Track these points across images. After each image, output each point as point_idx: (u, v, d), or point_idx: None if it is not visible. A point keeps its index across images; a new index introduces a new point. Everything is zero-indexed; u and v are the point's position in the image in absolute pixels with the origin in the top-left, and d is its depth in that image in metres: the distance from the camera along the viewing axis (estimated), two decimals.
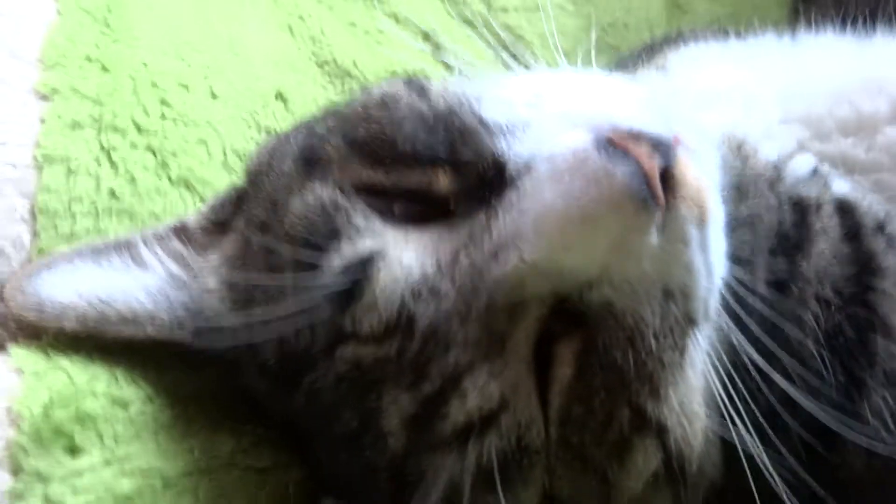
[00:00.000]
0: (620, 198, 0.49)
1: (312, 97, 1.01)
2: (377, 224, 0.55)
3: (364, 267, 0.53)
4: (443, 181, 0.55)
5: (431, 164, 0.55)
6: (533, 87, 0.58)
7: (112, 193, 0.79)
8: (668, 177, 0.51)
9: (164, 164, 0.83)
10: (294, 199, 0.59)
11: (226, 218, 0.74)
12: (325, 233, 0.55)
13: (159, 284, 0.68)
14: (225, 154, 0.89)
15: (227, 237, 0.71)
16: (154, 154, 0.83)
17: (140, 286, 0.68)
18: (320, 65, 1.06)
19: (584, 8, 1.32)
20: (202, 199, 0.84)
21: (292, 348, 0.59)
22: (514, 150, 0.54)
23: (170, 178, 0.83)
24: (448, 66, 1.16)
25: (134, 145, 0.83)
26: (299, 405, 0.61)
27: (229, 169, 0.89)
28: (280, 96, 0.98)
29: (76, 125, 0.82)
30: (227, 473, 0.65)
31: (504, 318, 0.52)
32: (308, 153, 0.62)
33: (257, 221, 0.65)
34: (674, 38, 0.98)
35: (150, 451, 0.63)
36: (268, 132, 0.94)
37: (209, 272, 0.68)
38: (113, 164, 0.80)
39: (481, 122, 0.56)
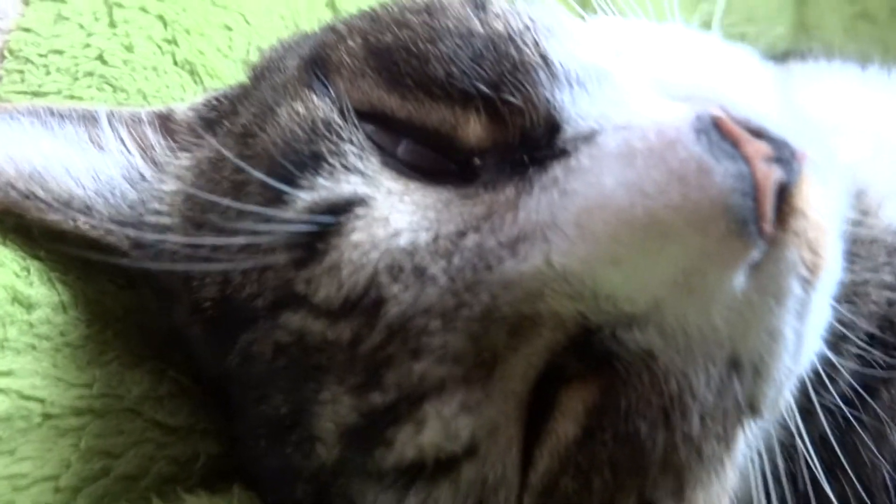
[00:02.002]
0: (711, 210, 0.34)
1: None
2: (372, 163, 0.42)
3: (339, 213, 0.40)
4: (473, 127, 0.41)
5: (464, 101, 0.41)
6: (625, 33, 0.44)
7: (101, 56, 0.66)
8: (783, 199, 0.36)
9: (173, 41, 0.70)
10: (283, 107, 0.45)
11: (217, 117, 0.61)
12: (304, 157, 0.42)
13: (110, 173, 0.55)
14: (248, 50, 0.75)
15: (206, 140, 0.57)
16: (165, 25, 0.70)
17: (88, 168, 0.55)
18: None
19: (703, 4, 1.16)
20: (204, 92, 0.71)
21: (234, 294, 0.46)
22: (578, 106, 0.40)
23: (174, 58, 0.70)
24: None
25: (144, 8, 0.69)
26: (231, 367, 0.48)
27: (247, 67, 0.75)
28: (331, 4, 0.84)
29: None
30: (127, 421, 0.52)
31: (503, 334, 0.38)
32: (317, 53, 0.48)
33: (239, 128, 0.51)
34: (802, 52, 0.82)
35: (41, 371, 0.50)
36: None
37: (172, 175, 0.55)
38: (113, 22, 0.67)
39: (545, 59, 0.42)
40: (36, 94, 0.63)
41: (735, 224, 0.34)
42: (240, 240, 0.42)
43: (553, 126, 0.39)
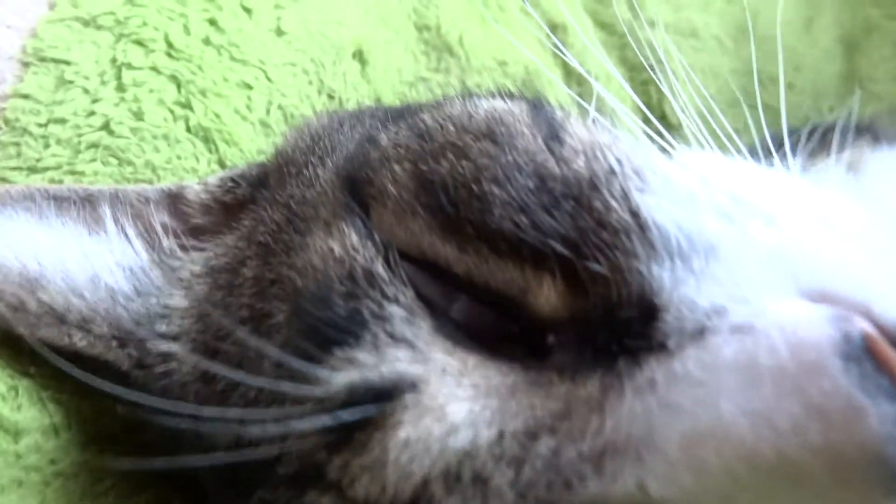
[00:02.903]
0: (858, 459, 0.28)
1: (397, 67, 0.80)
2: (423, 330, 0.35)
3: (383, 400, 0.33)
4: (547, 294, 0.34)
5: (536, 261, 0.34)
6: (728, 179, 0.37)
7: (107, 125, 0.59)
8: None
9: (187, 104, 0.63)
10: (314, 237, 0.39)
11: (237, 200, 0.55)
12: (340, 320, 0.35)
13: (113, 278, 0.48)
14: (268, 109, 0.69)
15: (224, 233, 0.51)
16: (179, 87, 0.63)
17: (87, 270, 0.49)
18: (419, 28, 0.84)
19: (745, 49, 1.09)
20: (220, 163, 0.64)
21: (252, 446, 0.40)
22: (681, 290, 0.33)
23: (187, 124, 0.63)
24: (568, 71, 0.95)
25: (156, 69, 0.63)
26: None
27: (268, 130, 0.69)
28: (359, 55, 0.77)
29: (92, 22, 0.63)
30: None
31: None
32: (356, 172, 0.41)
33: (261, 238, 0.45)
34: (867, 129, 0.74)
35: None
36: (330, 97, 0.74)
37: (182, 284, 0.48)
38: (121, 86, 0.61)
39: (637, 218, 0.35)
40: (33, 170, 0.57)
41: (887, 480, 0.28)
42: (259, 413, 0.35)
43: (649, 309, 0.32)
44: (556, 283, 0.34)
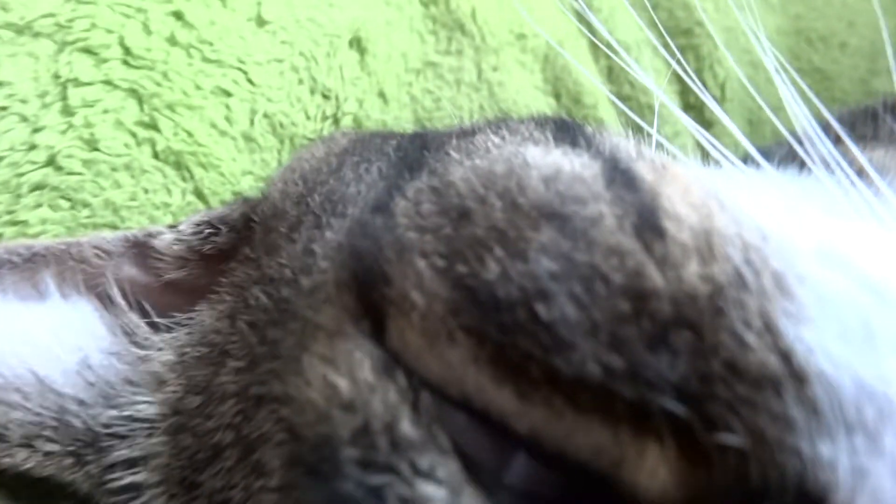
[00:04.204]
0: None
1: (402, 52, 0.68)
2: None
3: None
4: (652, 466, 0.23)
5: (637, 419, 0.24)
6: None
7: (53, 160, 0.48)
8: None
9: (152, 124, 0.52)
10: (313, 357, 0.28)
11: (218, 249, 0.44)
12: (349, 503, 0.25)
13: (64, 380, 0.38)
14: (252, 120, 0.58)
15: (204, 302, 0.41)
16: (140, 103, 0.52)
17: (29, 367, 0.38)
18: (425, 3, 0.72)
19: (793, 6, 0.96)
20: (197, 193, 0.53)
21: None
22: (869, 487, 0.22)
23: (154, 149, 0.52)
24: (595, 50, 0.83)
25: (111, 82, 0.51)
26: None
27: (253, 145, 0.57)
28: (357, 43, 0.65)
29: (27, 28, 0.51)
30: None
31: None
32: (366, 265, 0.29)
33: (243, 327, 0.35)
34: None
35: None
36: (325, 97, 0.62)
37: (154, 372, 0.38)
38: (68, 107, 0.49)
39: (789, 364, 0.23)
40: None
41: None
42: None
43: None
44: (666, 454, 0.23)
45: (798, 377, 0.22)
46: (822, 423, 0.22)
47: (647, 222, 0.25)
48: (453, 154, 0.33)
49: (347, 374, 0.27)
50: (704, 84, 0.91)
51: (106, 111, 0.51)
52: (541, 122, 0.35)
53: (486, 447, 0.25)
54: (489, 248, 0.26)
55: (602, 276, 0.24)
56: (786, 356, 0.23)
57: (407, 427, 0.25)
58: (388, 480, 0.25)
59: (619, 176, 0.27)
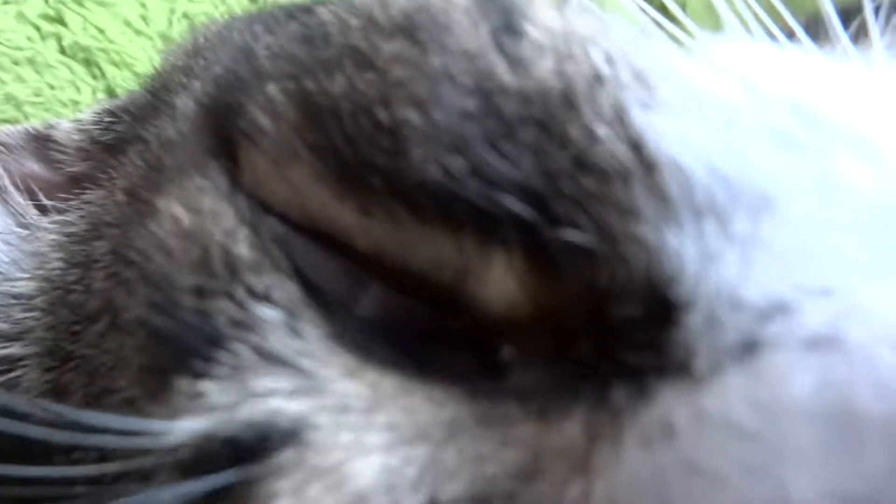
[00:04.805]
0: None
1: None
2: (314, 341, 0.22)
3: (248, 458, 0.21)
4: (498, 281, 0.20)
5: (483, 227, 0.21)
6: (786, 79, 0.22)
7: None
8: None
9: (58, 17, 0.50)
10: (167, 199, 0.26)
11: (120, 138, 0.42)
12: (182, 331, 0.23)
13: None
14: (170, 20, 0.55)
15: (94, 189, 0.39)
16: None
17: None
18: None
19: None
20: (109, 91, 0.51)
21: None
22: (716, 273, 0.19)
23: (60, 44, 0.50)
24: None
25: None
26: None
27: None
28: None
29: None
30: None
31: None
32: (221, 98, 0.28)
33: (119, 196, 0.33)
34: None
35: None
36: None
37: (38, 252, 0.36)
38: None
39: (639, 152, 0.21)
40: None
41: None
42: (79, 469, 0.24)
43: (661, 304, 0.19)
44: (513, 262, 0.21)
45: (647, 166, 0.21)
46: (669, 211, 0.20)
47: (506, 24, 0.23)
48: (331, 1, 0.31)
49: (190, 205, 0.25)
50: None
51: (6, 2, 0.48)
52: None
53: (333, 275, 0.24)
54: (340, 65, 0.24)
55: (448, 77, 0.23)
56: (635, 145, 0.21)
57: (243, 248, 0.24)
58: (221, 305, 0.23)
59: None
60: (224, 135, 0.27)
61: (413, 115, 0.22)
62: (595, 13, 0.26)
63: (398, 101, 0.22)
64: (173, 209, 0.26)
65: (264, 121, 0.25)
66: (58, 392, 0.33)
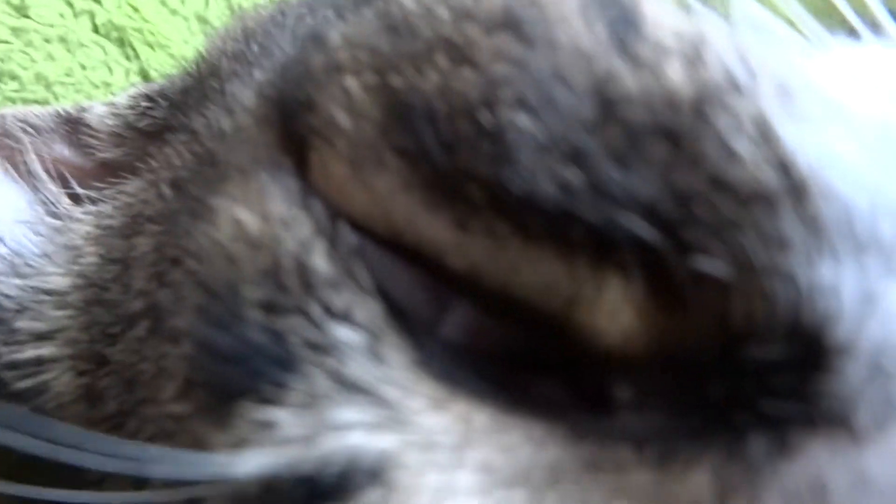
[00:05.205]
0: None
1: None
2: (398, 369, 0.20)
3: (325, 498, 0.19)
4: (613, 310, 0.18)
5: (598, 250, 0.19)
6: None
7: None
8: None
9: None
10: (225, 199, 0.24)
11: (157, 126, 0.40)
12: (248, 351, 0.20)
13: None
14: (207, 1, 0.53)
15: (131, 179, 0.36)
16: None
17: None
18: None
19: None
20: (143, 73, 0.49)
21: None
22: (880, 317, 0.17)
23: (94, 22, 0.47)
24: None
25: None
26: None
27: (207, 28, 0.52)
28: None
29: None
30: None
31: None
32: (289, 91, 0.25)
33: (165, 189, 0.30)
34: None
35: None
36: None
37: (72, 245, 0.34)
38: None
39: (787, 174, 0.18)
40: None
41: None
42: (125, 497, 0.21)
43: (811, 346, 0.17)
44: (632, 290, 0.18)
45: (797, 189, 0.18)
46: (823, 242, 0.18)
47: (623, 19, 0.21)
48: None
49: (257, 209, 0.23)
50: None
51: None
52: None
53: (417, 294, 0.21)
54: (432, 59, 0.22)
55: (562, 79, 0.20)
56: (783, 165, 0.18)
57: (320, 262, 0.21)
58: (295, 324, 0.21)
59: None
60: (291, 132, 0.24)
61: (522, 119, 0.20)
62: (717, 16, 0.24)
63: (504, 102, 0.20)
64: (235, 211, 0.23)
65: (342, 119, 0.22)
66: (91, 399, 0.30)
